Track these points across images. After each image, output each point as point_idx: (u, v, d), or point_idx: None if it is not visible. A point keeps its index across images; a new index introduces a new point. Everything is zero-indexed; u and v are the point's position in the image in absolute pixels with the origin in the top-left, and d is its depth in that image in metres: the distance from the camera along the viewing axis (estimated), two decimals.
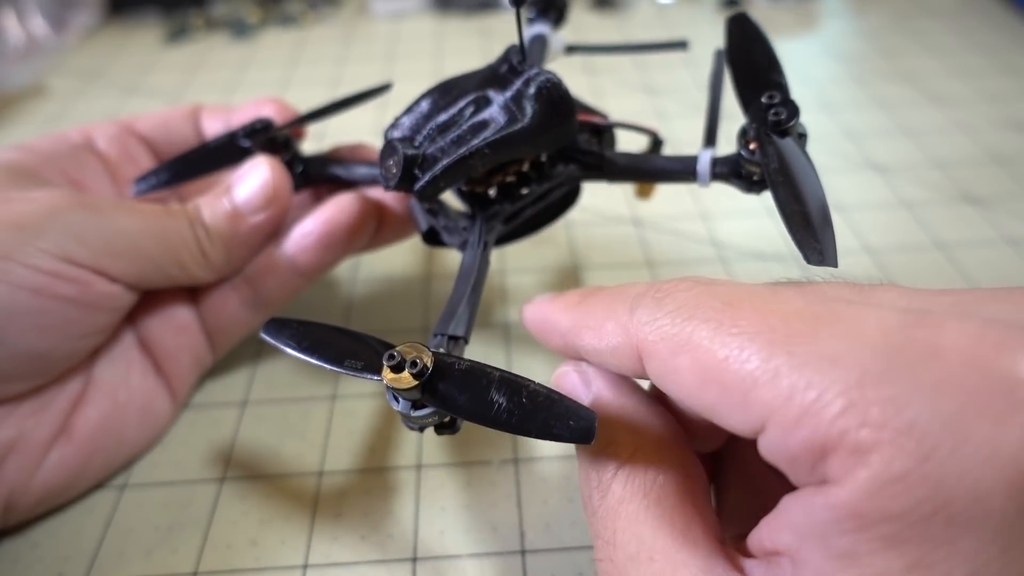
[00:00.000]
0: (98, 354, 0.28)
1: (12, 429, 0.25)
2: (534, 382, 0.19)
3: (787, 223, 0.21)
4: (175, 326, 0.29)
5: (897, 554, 0.13)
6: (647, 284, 0.19)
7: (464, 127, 0.24)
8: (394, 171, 0.24)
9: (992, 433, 0.13)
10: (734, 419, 0.16)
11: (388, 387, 0.19)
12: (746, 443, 0.22)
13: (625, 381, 0.21)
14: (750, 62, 0.26)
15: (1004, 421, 0.13)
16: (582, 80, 0.56)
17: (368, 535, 0.26)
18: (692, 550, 0.16)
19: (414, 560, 0.25)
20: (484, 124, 0.24)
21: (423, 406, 0.20)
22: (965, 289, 0.16)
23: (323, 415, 0.31)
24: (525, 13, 0.32)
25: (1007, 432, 0.13)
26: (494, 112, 0.25)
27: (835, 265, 0.20)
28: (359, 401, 0.31)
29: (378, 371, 0.19)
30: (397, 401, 0.20)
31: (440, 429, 0.21)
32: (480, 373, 0.19)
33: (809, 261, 0.20)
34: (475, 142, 0.23)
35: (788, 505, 0.15)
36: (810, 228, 0.21)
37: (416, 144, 0.24)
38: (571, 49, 0.33)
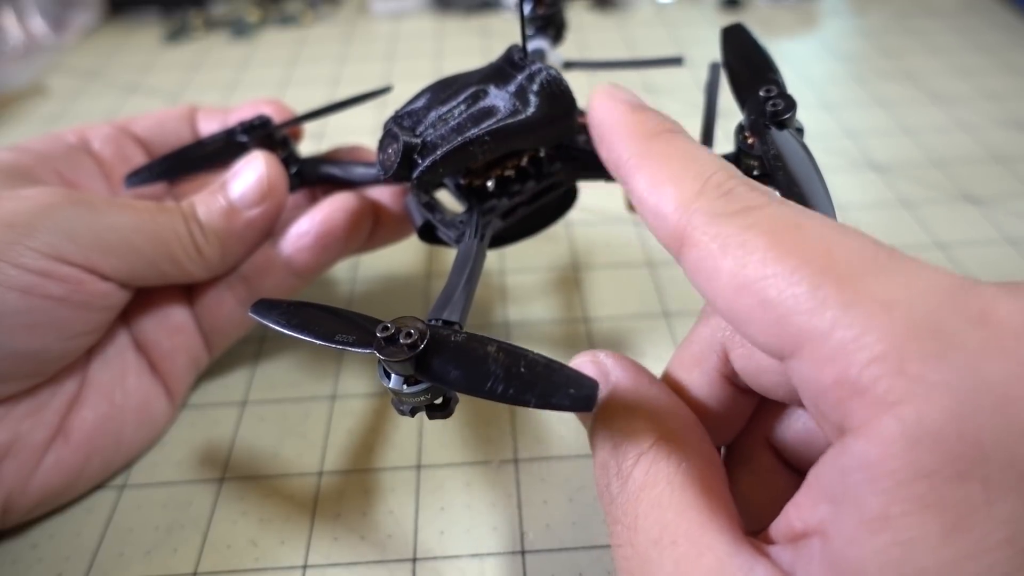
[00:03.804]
0: (93, 355, 0.28)
1: (8, 431, 0.25)
2: (533, 352, 0.18)
3: None
4: (171, 327, 0.29)
5: (932, 515, 0.13)
6: (724, 171, 0.18)
7: (465, 116, 0.24)
8: (393, 159, 0.24)
9: None
10: (763, 335, 0.15)
11: (380, 361, 0.18)
12: (755, 440, 0.22)
13: (643, 372, 0.21)
14: (746, 64, 0.26)
15: None
16: (582, 78, 0.55)
17: (368, 535, 0.26)
18: (716, 534, 0.16)
19: (414, 560, 0.25)
20: (486, 114, 0.24)
21: (416, 383, 0.19)
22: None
23: (323, 415, 0.31)
24: (526, 30, 0.32)
25: None
26: (496, 103, 0.25)
27: None
28: (359, 401, 0.31)
29: (370, 344, 0.18)
30: (388, 377, 0.19)
31: (432, 411, 0.20)
32: (476, 344, 0.19)
33: None
34: (476, 130, 0.23)
35: (818, 474, 0.15)
36: (810, 208, 0.21)
37: (416, 134, 0.24)
38: (569, 64, 0.34)
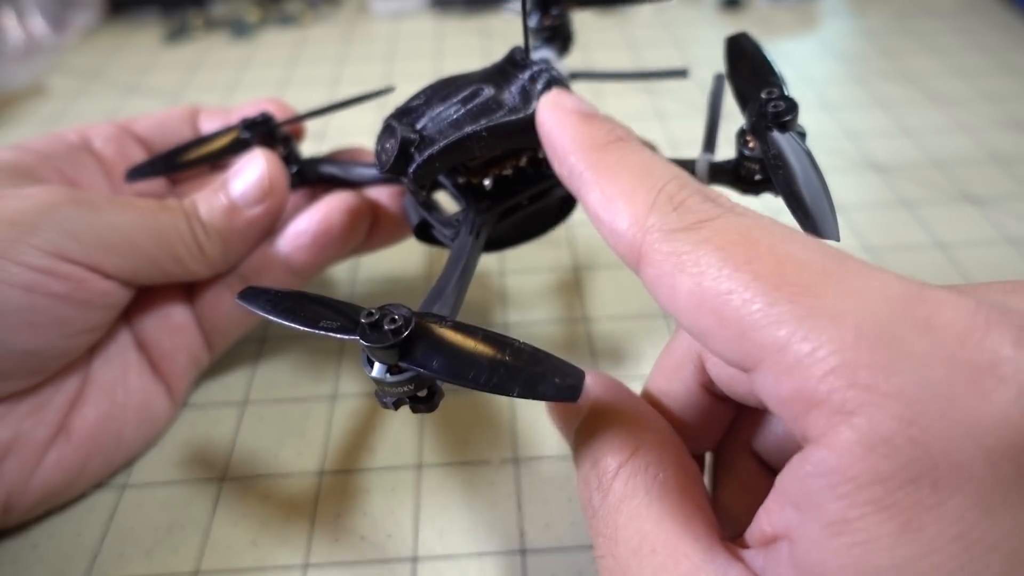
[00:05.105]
0: (95, 354, 0.28)
1: (10, 429, 0.25)
2: (519, 341, 0.18)
3: (788, 202, 0.22)
4: (171, 326, 0.29)
5: (887, 516, 0.13)
6: (676, 181, 0.18)
7: (463, 112, 0.24)
8: (390, 152, 0.24)
9: (976, 404, 0.13)
10: (726, 349, 0.16)
11: (363, 347, 0.18)
12: (738, 446, 0.22)
13: (621, 387, 0.22)
14: (749, 69, 0.26)
15: (987, 394, 0.13)
16: (582, 79, 0.56)
17: (368, 535, 0.26)
18: (693, 542, 0.17)
19: (414, 560, 0.25)
20: (485, 111, 0.24)
21: (399, 372, 0.19)
22: (950, 285, 0.17)
23: (323, 415, 0.31)
24: (532, 40, 0.32)
25: (989, 405, 0.13)
26: (496, 101, 0.25)
27: (837, 239, 0.20)
28: (359, 401, 0.31)
29: (354, 330, 0.18)
30: (372, 366, 0.19)
31: (416, 404, 0.20)
32: (462, 331, 0.18)
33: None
34: (474, 126, 0.23)
35: (783, 481, 0.15)
36: (808, 206, 0.21)
37: (414, 129, 0.24)
38: (575, 76, 0.34)
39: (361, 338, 0.18)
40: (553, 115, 0.22)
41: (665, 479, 0.18)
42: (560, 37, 0.34)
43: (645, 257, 0.17)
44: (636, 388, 0.23)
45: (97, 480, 0.28)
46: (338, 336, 0.19)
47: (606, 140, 0.20)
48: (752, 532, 0.16)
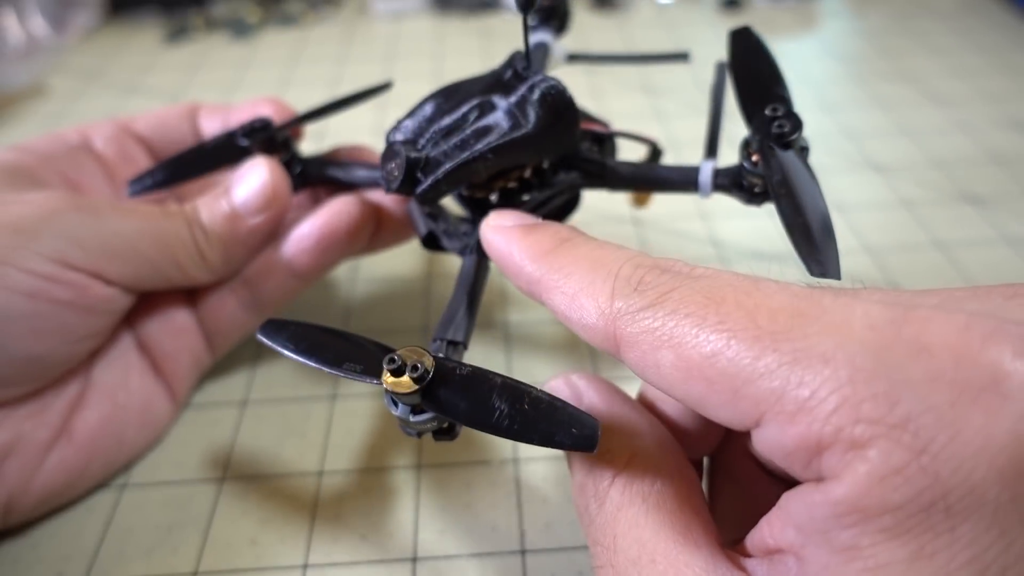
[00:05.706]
0: (97, 356, 0.28)
1: (11, 431, 0.25)
2: (536, 389, 0.19)
3: (790, 235, 0.21)
4: (173, 328, 0.29)
5: (899, 544, 0.13)
6: (630, 263, 0.19)
7: (468, 131, 0.24)
8: (396, 174, 0.24)
9: (984, 425, 0.13)
10: (723, 413, 0.16)
11: (387, 391, 0.19)
12: (735, 450, 0.22)
13: (616, 391, 0.21)
14: (754, 75, 0.26)
15: (994, 413, 0.13)
16: (581, 80, 0.56)
17: (368, 535, 0.26)
18: (694, 551, 0.17)
19: (414, 560, 0.25)
20: (488, 129, 0.24)
21: (422, 411, 0.20)
22: (946, 288, 0.16)
23: (323, 415, 0.31)
24: (529, 19, 0.32)
25: (997, 423, 0.13)
26: (498, 117, 0.25)
27: (838, 278, 0.20)
28: (359, 401, 0.31)
29: (378, 375, 0.19)
30: (396, 406, 0.20)
31: (438, 435, 0.21)
32: (482, 378, 0.19)
33: (812, 273, 0.20)
34: (479, 147, 0.24)
35: (789, 503, 0.15)
36: (812, 240, 0.21)
37: (419, 147, 0.24)
38: (573, 57, 0.34)
39: (385, 384, 0.19)
40: (497, 237, 0.22)
41: (663, 486, 0.18)
42: (556, 17, 0.34)
43: (621, 342, 0.17)
44: (633, 391, 0.23)
45: (98, 481, 0.28)
46: (362, 380, 0.19)
47: (553, 244, 0.21)
48: (753, 540, 0.16)
